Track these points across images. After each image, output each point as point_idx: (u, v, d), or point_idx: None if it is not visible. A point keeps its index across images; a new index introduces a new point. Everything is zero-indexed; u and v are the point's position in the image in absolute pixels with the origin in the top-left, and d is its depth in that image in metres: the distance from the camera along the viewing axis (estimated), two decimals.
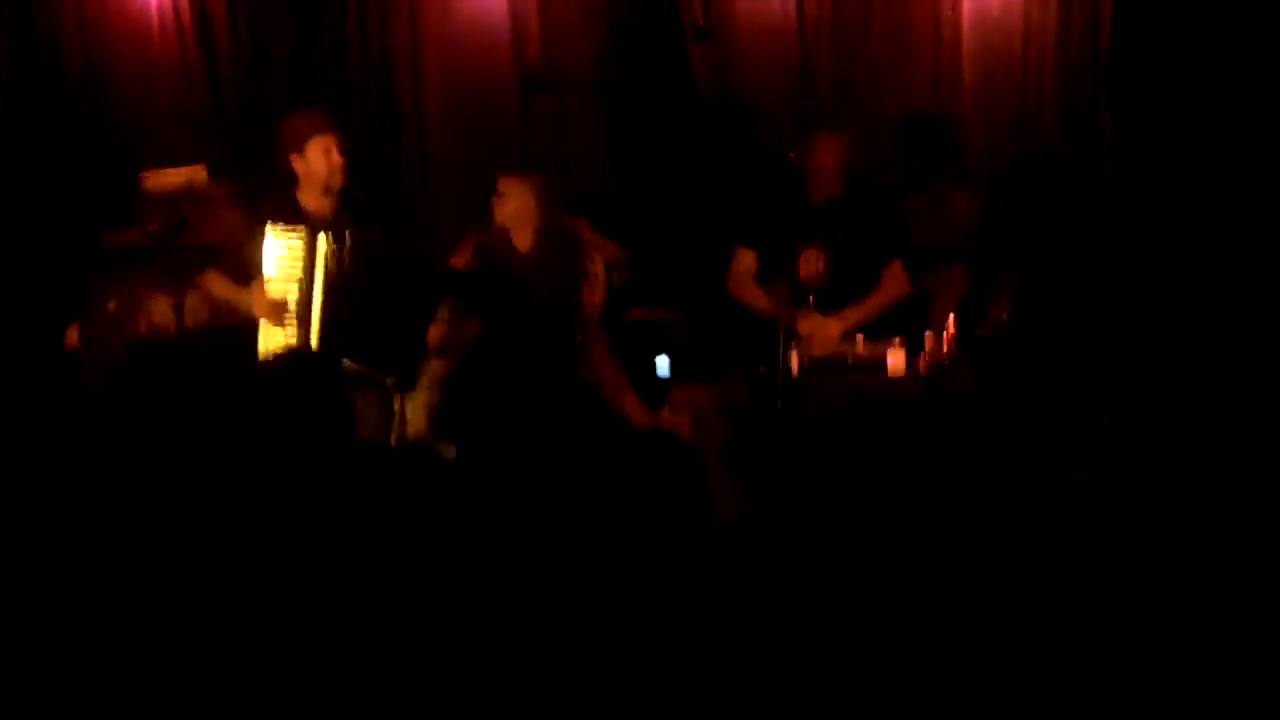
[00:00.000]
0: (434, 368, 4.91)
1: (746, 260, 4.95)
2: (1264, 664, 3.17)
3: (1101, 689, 3.15)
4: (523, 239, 4.98)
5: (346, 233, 4.33)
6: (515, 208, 4.92)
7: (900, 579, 3.86)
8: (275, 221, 4.36)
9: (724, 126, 6.09)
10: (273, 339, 4.37)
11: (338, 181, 4.42)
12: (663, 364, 4.98)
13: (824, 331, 4.67)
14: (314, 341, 4.35)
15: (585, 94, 6.20)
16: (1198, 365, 5.26)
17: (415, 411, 4.82)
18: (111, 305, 5.12)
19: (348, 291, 4.34)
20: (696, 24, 6.06)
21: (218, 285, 4.61)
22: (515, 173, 4.94)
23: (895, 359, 4.45)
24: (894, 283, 4.81)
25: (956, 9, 5.91)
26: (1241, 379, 5.17)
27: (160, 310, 5.28)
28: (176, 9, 6.09)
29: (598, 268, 5.10)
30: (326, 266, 4.31)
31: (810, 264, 4.73)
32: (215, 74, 6.15)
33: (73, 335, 5.33)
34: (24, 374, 5.26)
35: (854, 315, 4.72)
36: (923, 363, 4.45)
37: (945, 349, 4.47)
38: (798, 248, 4.75)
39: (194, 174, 5.62)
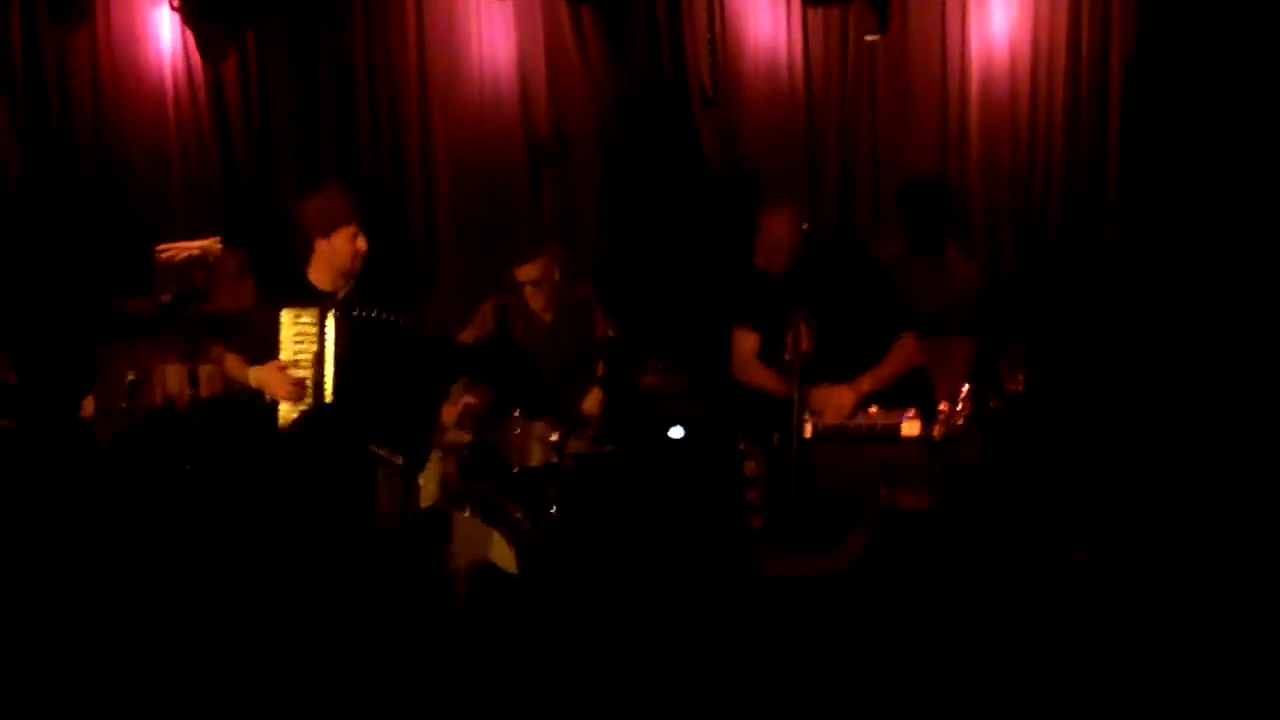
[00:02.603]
0: (450, 438, 4.94)
1: (748, 342, 4.87)
2: None
3: None
4: (541, 305, 5.08)
5: (355, 313, 4.33)
6: (537, 279, 5.01)
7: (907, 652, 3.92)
8: (289, 305, 4.36)
9: (731, 195, 6.12)
10: (290, 418, 4.37)
11: (359, 267, 4.44)
12: (676, 431, 4.98)
13: (836, 401, 4.65)
14: None
15: (593, 163, 6.22)
16: (1204, 433, 5.28)
17: (429, 482, 4.84)
18: (130, 376, 5.14)
19: (359, 372, 4.33)
20: (704, 93, 6.09)
21: (232, 365, 4.55)
22: (535, 252, 5.00)
23: (910, 429, 4.46)
24: (904, 353, 4.74)
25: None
26: (1251, 443, 5.19)
27: (174, 380, 5.29)
28: (192, 86, 6.18)
29: (609, 331, 5.15)
30: (337, 348, 4.30)
31: (802, 337, 4.60)
32: (229, 148, 6.23)
33: (88, 406, 5.36)
34: (38, 443, 5.28)
35: (866, 383, 4.68)
36: (937, 430, 4.46)
37: (960, 419, 4.46)
38: (784, 321, 4.64)
39: (208, 245, 5.66)
